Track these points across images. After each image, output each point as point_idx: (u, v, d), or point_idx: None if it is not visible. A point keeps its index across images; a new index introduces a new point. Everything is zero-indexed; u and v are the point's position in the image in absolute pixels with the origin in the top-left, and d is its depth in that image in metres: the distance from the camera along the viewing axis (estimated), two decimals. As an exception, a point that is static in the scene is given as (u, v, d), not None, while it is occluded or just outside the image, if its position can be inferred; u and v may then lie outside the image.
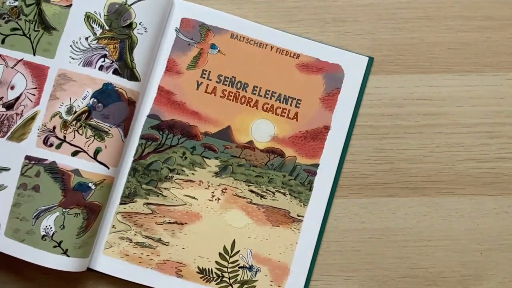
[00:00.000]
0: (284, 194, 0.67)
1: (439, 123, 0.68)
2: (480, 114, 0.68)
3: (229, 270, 0.66)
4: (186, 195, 0.67)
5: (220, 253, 0.66)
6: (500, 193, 0.68)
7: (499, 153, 0.68)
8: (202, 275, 0.66)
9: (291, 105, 0.67)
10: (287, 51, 0.68)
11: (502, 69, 0.68)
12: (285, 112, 0.67)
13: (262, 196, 0.67)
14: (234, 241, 0.66)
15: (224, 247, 0.66)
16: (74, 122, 0.64)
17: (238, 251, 0.66)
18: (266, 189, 0.67)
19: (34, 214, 0.63)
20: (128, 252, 0.66)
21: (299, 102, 0.67)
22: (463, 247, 0.67)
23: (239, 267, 0.66)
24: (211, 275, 0.66)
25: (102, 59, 0.64)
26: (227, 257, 0.66)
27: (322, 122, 0.67)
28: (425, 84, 0.68)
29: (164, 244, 0.66)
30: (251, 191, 0.67)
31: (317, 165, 0.67)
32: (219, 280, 0.66)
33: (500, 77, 0.68)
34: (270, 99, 0.68)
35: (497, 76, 0.68)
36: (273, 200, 0.67)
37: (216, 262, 0.66)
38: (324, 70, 0.67)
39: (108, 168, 0.64)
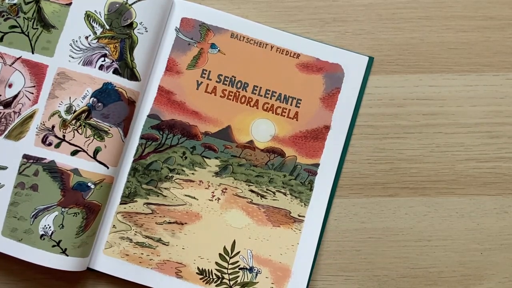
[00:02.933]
0: (284, 194, 0.64)
1: (439, 123, 0.67)
2: (480, 114, 0.67)
3: (229, 271, 0.64)
4: (186, 195, 0.65)
5: (220, 254, 0.64)
6: (500, 193, 0.66)
7: (499, 153, 0.67)
8: (201, 276, 0.64)
9: (291, 104, 0.65)
10: (287, 51, 0.66)
11: (502, 69, 0.67)
12: (285, 112, 0.65)
13: (262, 196, 0.65)
14: (234, 242, 0.64)
15: (224, 247, 0.64)
16: (73, 121, 0.62)
17: (239, 252, 0.64)
18: (267, 189, 0.65)
19: (33, 213, 0.61)
20: (128, 252, 0.64)
21: (299, 101, 0.65)
22: (463, 247, 0.66)
23: (239, 269, 0.64)
24: (210, 276, 0.63)
25: (102, 59, 0.63)
26: (227, 258, 0.64)
27: (322, 122, 0.65)
28: (425, 84, 0.67)
29: (164, 244, 0.64)
30: (252, 191, 0.65)
31: (317, 165, 0.64)
32: (219, 282, 0.63)
33: (500, 77, 0.67)
34: (270, 98, 0.65)
35: (497, 76, 0.67)
36: (273, 200, 0.64)
37: (216, 263, 0.64)
38: (324, 70, 0.65)
39: (108, 167, 0.63)
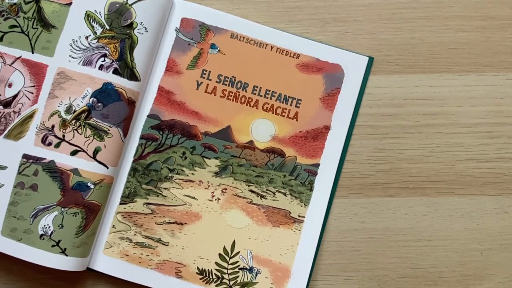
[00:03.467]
0: (284, 194, 0.64)
1: (439, 123, 0.66)
2: (480, 114, 0.66)
3: (229, 271, 0.63)
4: (186, 195, 0.65)
5: (220, 254, 0.64)
6: (500, 193, 0.66)
7: (499, 153, 0.66)
8: (201, 276, 0.63)
9: (291, 105, 0.65)
10: (287, 51, 0.65)
11: (502, 69, 0.67)
12: (285, 112, 0.65)
13: (262, 196, 0.64)
14: (234, 242, 0.64)
15: (224, 247, 0.64)
16: (73, 121, 0.62)
17: (238, 252, 0.64)
18: (267, 189, 0.64)
19: (32, 213, 0.61)
20: (128, 252, 0.64)
21: (299, 102, 0.65)
22: (463, 247, 0.66)
23: (239, 269, 0.64)
24: (210, 276, 0.63)
25: (102, 59, 0.62)
26: (227, 258, 0.64)
27: (322, 122, 0.65)
28: (425, 84, 0.67)
29: (164, 244, 0.64)
30: (251, 191, 0.65)
31: (317, 165, 0.64)
32: (218, 282, 0.63)
33: (500, 77, 0.67)
34: (270, 99, 0.65)
35: (497, 76, 0.67)
36: (273, 200, 0.64)
37: (216, 263, 0.64)
38: (324, 70, 0.65)
39: (108, 167, 0.62)
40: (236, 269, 0.63)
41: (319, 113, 0.65)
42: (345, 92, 0.65)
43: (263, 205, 0.64)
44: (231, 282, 0.63)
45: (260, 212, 0.64)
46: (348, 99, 0.65)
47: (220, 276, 0.63)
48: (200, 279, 0.63)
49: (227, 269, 0.63)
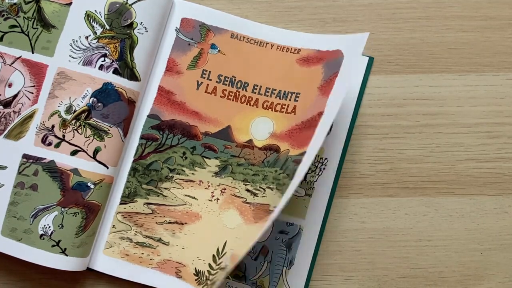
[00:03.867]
0: (271, 189, 0.63)
1: (439, 123, 0.66)
2: (480, 114, 0.66)
3: (215, 273, 0.62)
4: (186, 195, 0.65)
5: (213, 255, 0.63)
6: (500, 193, 0.66)
7: (499, 153, 0.66)
8: (197, 278, 0.63)
9: (290, 99, 0.64)
10: (287, 48, 0.65)
11: (502, 69, 0.67)
12: (284, 108, 0.64)
13: (255, 194, 0.64)
14: (225, 243, 0.63)
15: (218, 249, 0.63)
16: (73, 121, 0.62)
17: (225, 253, 0.62)
18: (260, 187, 0.64)
19: (32, 213, 0.61)
20: (128, 252, 0.64)
21: (298, 95, 0.64)
22: (463, 247, 0.66)
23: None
24: (203, 278, 0.62)
25: (102, 59, 0.62)
26: (217, 259, 0.63)
27: (316, 109, 0.61)
28: (425, 84, 0.66)
29: (165, 244, 0.64)
30: (247, 190, 0.64)
31: (304, 153, 0.60)
32: (206, 286, 0.62)
33: (500, 77, 0.67)
34: (270, 96, 0.65)
35: (497, 76, 0.67)
36: (262, 197, 0.63)
37: (209, 264, 0.63)
38: (325, 59, 0.63)
39: (108, 167, 0.62)
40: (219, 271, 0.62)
41: (316, 101, 0.62)
42: (343, 73, 0.60)
43: (254, 203, 0.63)
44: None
45: (250, 211, 0.63)
46: (344, 80, 0.58)
47: (209, 279, 0.61)
48: (195, 280, 0.62)
49: (215, 271, 0.62)
